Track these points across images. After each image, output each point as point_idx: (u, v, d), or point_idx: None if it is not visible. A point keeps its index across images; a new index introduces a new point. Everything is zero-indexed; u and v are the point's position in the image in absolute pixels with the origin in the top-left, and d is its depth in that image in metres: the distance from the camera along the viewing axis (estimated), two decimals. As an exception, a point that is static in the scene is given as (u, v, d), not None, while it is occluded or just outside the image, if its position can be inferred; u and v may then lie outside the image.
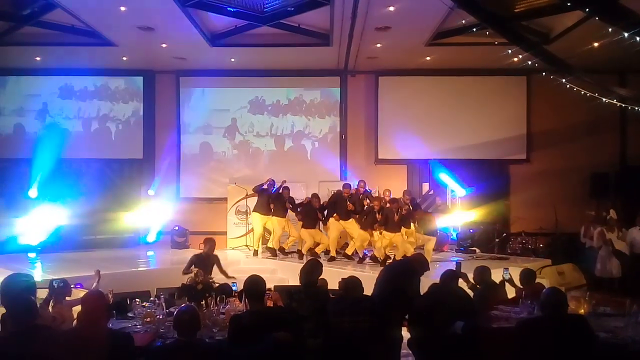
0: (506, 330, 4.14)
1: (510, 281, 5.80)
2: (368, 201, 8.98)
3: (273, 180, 9.51)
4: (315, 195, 9.27)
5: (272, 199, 9.33)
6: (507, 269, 5.95)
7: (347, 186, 9.20)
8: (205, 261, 6.67)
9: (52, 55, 10.76)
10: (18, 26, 9.40)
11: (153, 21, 8.85)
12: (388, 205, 8.55)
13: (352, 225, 8.97)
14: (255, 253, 9.63)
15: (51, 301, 4.64)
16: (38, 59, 11.01)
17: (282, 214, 9.33)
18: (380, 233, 8.46)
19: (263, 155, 12.02)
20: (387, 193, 9.14)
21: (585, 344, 3.66)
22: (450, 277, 5.06)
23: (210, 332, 4.15)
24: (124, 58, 10.96)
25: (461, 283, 5.37)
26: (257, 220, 9.46)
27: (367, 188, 9.57)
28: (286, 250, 9.50)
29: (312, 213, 9.14)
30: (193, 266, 6.42)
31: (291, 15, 8.96)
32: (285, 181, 9.45)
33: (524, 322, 4.01)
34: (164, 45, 10.07)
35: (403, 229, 8.57)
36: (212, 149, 12.08)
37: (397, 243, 8.46)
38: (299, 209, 9.33)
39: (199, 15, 8.94)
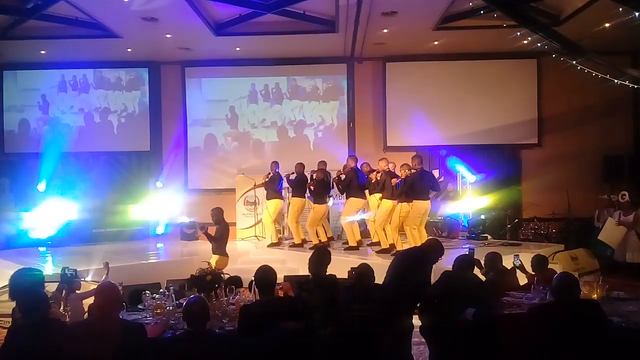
0: (518, 316, 4.09)
1: (521, 267, 5.68)
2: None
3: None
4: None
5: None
6: (517, 255, 5.84)
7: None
8: None
9: (57, 49, 10.73)
10: (22, 20, 9.41)
11: (157, 12, 8.78)
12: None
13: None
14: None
15: (63, 291, 4.64)
16: (43, 52, 11.00)
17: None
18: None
19: (273, 144, 11.95)
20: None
21: (598, 328, 3.60)
22: (464, 263, 4.94)
23: (220, 323, 4.14)
24: (129, 49, 10.92)
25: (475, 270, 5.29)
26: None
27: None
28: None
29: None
30: None
31: (296, 2, 8.85)
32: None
33: (536, 307, 3.97)
34: (168, 36, 10.01)
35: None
36: (216, 140, 12.05)
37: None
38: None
39: (202, 5, 8.86)
